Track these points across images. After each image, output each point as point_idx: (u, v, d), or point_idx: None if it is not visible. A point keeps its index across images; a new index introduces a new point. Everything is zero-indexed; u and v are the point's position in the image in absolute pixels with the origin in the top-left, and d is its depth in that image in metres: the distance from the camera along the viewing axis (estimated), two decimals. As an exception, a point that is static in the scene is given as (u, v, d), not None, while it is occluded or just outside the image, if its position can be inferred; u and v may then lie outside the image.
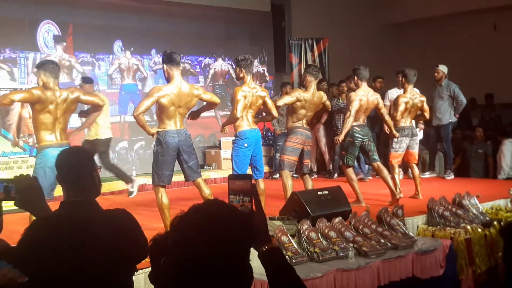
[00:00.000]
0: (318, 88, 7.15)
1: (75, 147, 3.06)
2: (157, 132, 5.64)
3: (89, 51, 9.73)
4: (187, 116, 6.13)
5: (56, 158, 2.73)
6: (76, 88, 5.67)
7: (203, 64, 11.51)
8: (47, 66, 5.37)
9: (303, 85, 6.95)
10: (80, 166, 2.69)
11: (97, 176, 2.73)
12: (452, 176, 9.60)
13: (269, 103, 6.53)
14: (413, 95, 7.51)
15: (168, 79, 5.70)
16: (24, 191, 2.37)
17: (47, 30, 9.13)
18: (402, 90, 7.86)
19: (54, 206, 2.51)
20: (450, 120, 9.53)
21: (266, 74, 12.45)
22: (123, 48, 10.15)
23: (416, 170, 7.66)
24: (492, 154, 10.36)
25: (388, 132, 7.59)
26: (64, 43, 9.34)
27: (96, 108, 5.90)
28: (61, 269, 1.95)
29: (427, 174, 9.77)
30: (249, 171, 6.55)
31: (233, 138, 6.44)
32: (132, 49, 10.25)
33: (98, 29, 9.73)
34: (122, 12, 10.11)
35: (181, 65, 5.82)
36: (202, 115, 6.43)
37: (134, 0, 10.27)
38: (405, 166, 8.50)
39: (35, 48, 9.00)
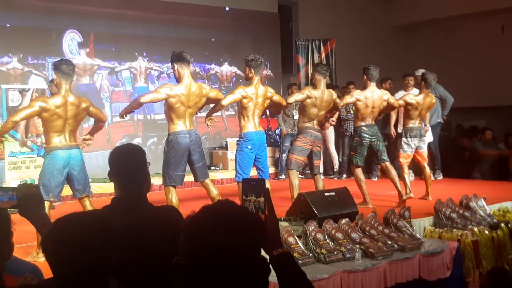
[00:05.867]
0: (380, 86, 7.19)
1: (128, 144, 3.07)
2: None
3: (108, 57, 10.52)
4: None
5: (110, 155, 2.75)
6: (87, 99, 5.58)
7: (211, 70, 11.79)
8: (61, 68, 5.27)
9: (312, 84, 6.98)
10: (134, 162, 2.73)
11: (148, 172, 2.78)
12: (441, 176, 9.70)
13: (276, 98, 6.60)
14: (425, 99, 7.52)
15: (179, 79, 5.73)
16: (23, 199, 2.36)
17: (71, 38, 10.08)
18: (407, 93, 7.93)
19: (60, 207, 2.51)
20: (439, 120, 9.69)
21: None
22: (137, 54, 10.80)
23: (428, 171, 7.66)
24: None
25: (395, 133, 7.68)
26: (87, 49, 10.22)
27: (99, 123, 5.80)
28: (105, 266, 1.95)
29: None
30: (253, 172, 6.56)
31: (237, 139, 6.46)
32: (145, 54, 10.82)
33: (115, 37, 10.59)
34: (134, 22, 10.74)
35: (191, 65, 5.86)
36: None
37: (144, 11, 10.84)
38: (417, 168, 8.51)
39: (61, 54, 9.77)
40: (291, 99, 6.86)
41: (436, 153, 9.65)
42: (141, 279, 2.27)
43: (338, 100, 7.11)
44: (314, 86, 6.87)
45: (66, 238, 1.90)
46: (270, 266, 1.75)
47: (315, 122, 6.87)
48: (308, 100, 6.75)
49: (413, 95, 7.73)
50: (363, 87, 7.24)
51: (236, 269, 1.54)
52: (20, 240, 2.58)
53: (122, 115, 5.98)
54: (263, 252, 1.73)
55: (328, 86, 7.04)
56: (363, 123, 7.09)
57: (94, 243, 1.91)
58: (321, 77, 6.81)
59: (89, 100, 5.57)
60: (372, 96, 7.08)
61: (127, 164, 2.71)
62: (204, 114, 6.50)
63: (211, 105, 6.43)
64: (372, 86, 7.11)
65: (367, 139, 7.09)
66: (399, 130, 8.69)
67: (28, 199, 2.36)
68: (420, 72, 9.42)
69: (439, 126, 9.82)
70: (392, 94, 7.76)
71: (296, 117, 9.70)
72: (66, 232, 1.92)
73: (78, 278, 1.89)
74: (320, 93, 6.80)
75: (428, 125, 8.75)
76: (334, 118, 7.34)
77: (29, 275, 2.45)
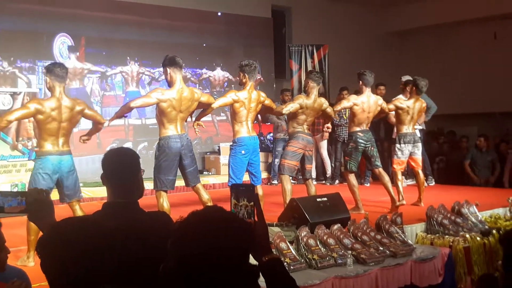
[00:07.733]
0: (374, 92, 7.26)
1: (123, 148, 3.03)
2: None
3: (99, 62, 10.50)
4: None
5: (103, 158, 2.71)
6: (82, 101, 5.48)
7: (203, 74, 11.81)
8: (53, 70, 5.19)
9: (304, 91, 6.95)
10: (127, 167, 2.69)
11: (141, 178, 2.74)
12: (434, 182, 9.72)
13: (267, 102, 6.59)
14: (415, 103, 7.52)
15: (170, 83, 5.71)
16: (33, 204, 2.34)
17: (62, 42, 10.07)
18: (397, 97, 7.96)
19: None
20: (421, 127, 9.63)
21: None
22: (128, 59, 10.79)
23: (422, 177, 7.65)
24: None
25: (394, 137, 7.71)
26: (77, 53, 10.22)
27: (97, 125, 5.71)
28: (100, 270, 1.94)
29: (409, 182, 9.44)
30: (246, 177, 6.55)
31: (231, 143, 6.44)
32: (136, 58, 10.81)
33: (106, 41, 10.57)
34: (128, 26, 10.74)
35: (183, 70, 5.85)
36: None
37: (136, 15, 10.81)
38: (411, 173, 8.54)
39: (52, 58, 9.70)
40: (285, 110, 6.77)
41: (425, 158, 9.62)
42: (133, 284, 2.26)
43: (330, 110, 7.07)
44: (307, 93, 6.84)
45: (63, 242, 1.90)
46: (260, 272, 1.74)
47: (305, 126, 6.85)
48: (299, 110, 6.75)
49: (403, 99, 7.74)
50: (355, 92, 7.23)
51: (224, 274, 1.53)
52: (10, 245, 2.55)
53: (111, 121, 5.91)
54: (252, 259, 1.72)
55: (321, 94, 7.01)
56: (358, 129, 7.08)
57: (91, 247, 1.90)
58: (315, 84, 6.78)
59: (85, 103, 5.50)
60: (368, 101, 7.08)
61: (121, 168, 2.67)
62: (206, 117, 6.48)
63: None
64: (368, 92, 7.11)
65: (362, 144, 7.08)
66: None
67: (37, 204, 2.34)
68: (405, 78, 9.44)
69: (423, 131, 9.79)
70: (386, 99, 7.75)
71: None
72: (63, 237, 1.91)
73: (74, 282, 1.88)
74: (312, 102, 6.77)
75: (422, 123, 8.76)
76: (329, 125, 7.32)
77: (16, 281, 2.43)
